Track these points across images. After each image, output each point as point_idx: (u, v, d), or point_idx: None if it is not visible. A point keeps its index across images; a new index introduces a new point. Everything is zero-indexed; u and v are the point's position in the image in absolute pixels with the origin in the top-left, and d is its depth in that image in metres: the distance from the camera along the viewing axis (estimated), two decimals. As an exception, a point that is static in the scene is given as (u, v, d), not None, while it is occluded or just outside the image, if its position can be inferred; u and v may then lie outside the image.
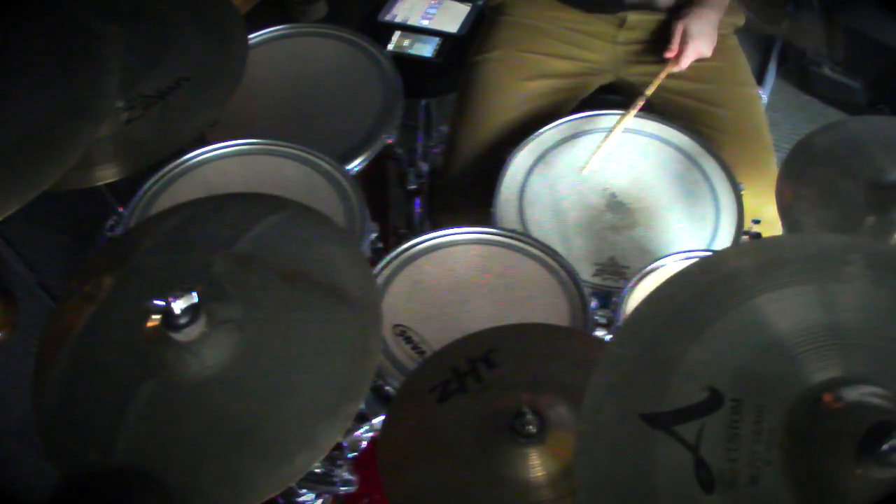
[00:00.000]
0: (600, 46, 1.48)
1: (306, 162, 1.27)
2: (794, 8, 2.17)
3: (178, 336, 0.82)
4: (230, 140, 1.30)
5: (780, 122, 2.14)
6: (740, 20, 1.53)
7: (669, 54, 1.40)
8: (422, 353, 1.08)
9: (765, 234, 1.23)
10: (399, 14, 1.73)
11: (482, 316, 1.11)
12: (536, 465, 0.85)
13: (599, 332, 1.12)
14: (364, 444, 1.13)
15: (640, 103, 1.36)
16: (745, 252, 0.82)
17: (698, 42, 1.39)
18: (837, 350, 0.69)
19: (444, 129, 1.62)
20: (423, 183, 1.59)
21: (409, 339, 1.09)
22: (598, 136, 1.34)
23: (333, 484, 1.13)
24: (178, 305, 0.81)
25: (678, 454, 0.66)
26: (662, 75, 1.40)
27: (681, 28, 1.39)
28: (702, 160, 1.31)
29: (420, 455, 0.91)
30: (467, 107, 1.47)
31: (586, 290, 1.12)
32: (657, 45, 1.45)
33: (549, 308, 1.12)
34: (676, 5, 1.44)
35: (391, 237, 1.52)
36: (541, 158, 1.32)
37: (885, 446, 0.60)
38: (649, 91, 1.38)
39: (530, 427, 0.85)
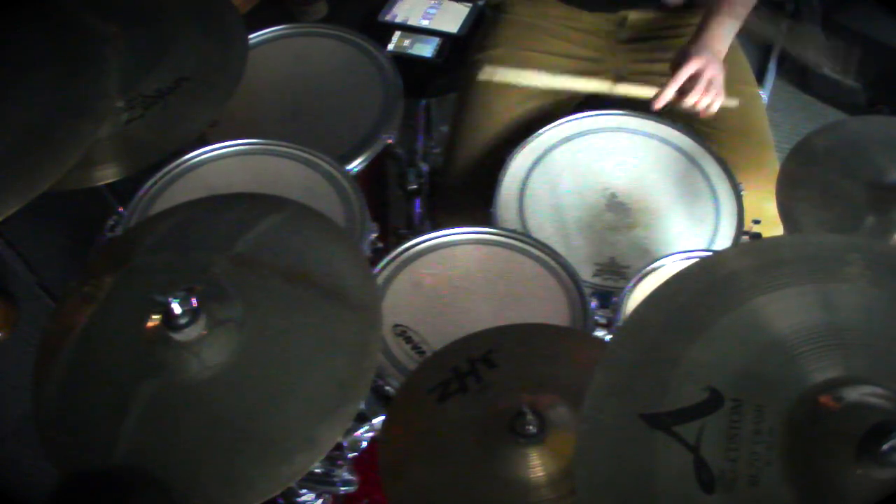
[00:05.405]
0: (601, 45, 1.48)
1: (306, 162, 1.27)
2: (795, 8, 2.16)
3: (179, 336, 0.82)
4: (230, 140, 1.30)
5: (780, 122, 2.13)
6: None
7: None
8: (422, 353, 1.08)
9: (765, 234, 1.23)
10: (399, 14, 1.73)
11: (482, 316, 1.11)
12: (536, 465, 0.85)
13: (599, 332, 1.12)
14: (364, 444, 1.13)
15: (635, 91, 1.30)
16: (745, 252, 0.82)
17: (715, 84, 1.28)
18: (837, 350, 0.69)
19: (444, 129, 1.62)
20: (423, 183, 1.59)
21: (409, 339, 1.09)
22: (598, 137, 1.34)
23: (333, 484, 1.13)
24: (177, 305, 0.81)
25: (678, 454, 0.66)
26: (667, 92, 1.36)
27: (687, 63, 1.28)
28: (702, 160, 1.31)
29: (420, 455, 0.91)
30: (468, 106, 1.47)
31: (586, 290, 1.12)
32: (658, 43, 1.45)
33: (549, 308, 1.12)
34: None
35: (391, 237, 1.52)
36: (541, 158, 1.32)
37: (885, 446, 0.60)
38: (645, 93, 1.36)
39: (530, 427, 0.85)
